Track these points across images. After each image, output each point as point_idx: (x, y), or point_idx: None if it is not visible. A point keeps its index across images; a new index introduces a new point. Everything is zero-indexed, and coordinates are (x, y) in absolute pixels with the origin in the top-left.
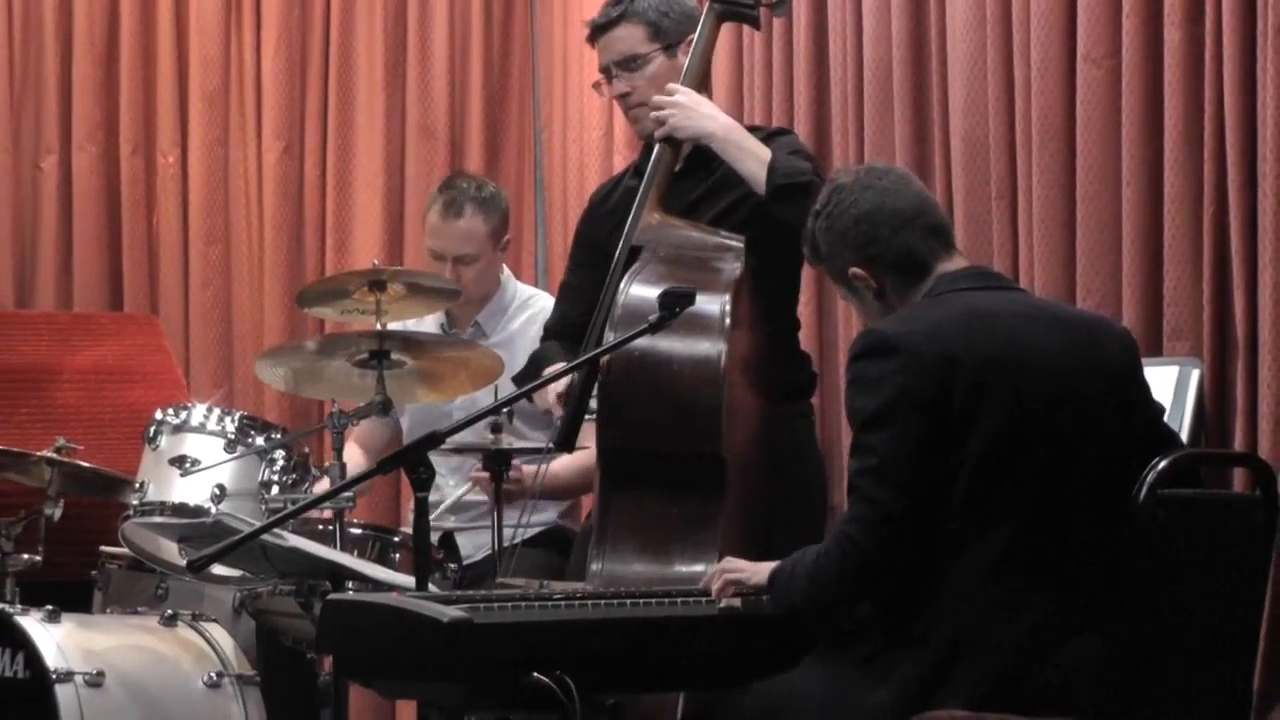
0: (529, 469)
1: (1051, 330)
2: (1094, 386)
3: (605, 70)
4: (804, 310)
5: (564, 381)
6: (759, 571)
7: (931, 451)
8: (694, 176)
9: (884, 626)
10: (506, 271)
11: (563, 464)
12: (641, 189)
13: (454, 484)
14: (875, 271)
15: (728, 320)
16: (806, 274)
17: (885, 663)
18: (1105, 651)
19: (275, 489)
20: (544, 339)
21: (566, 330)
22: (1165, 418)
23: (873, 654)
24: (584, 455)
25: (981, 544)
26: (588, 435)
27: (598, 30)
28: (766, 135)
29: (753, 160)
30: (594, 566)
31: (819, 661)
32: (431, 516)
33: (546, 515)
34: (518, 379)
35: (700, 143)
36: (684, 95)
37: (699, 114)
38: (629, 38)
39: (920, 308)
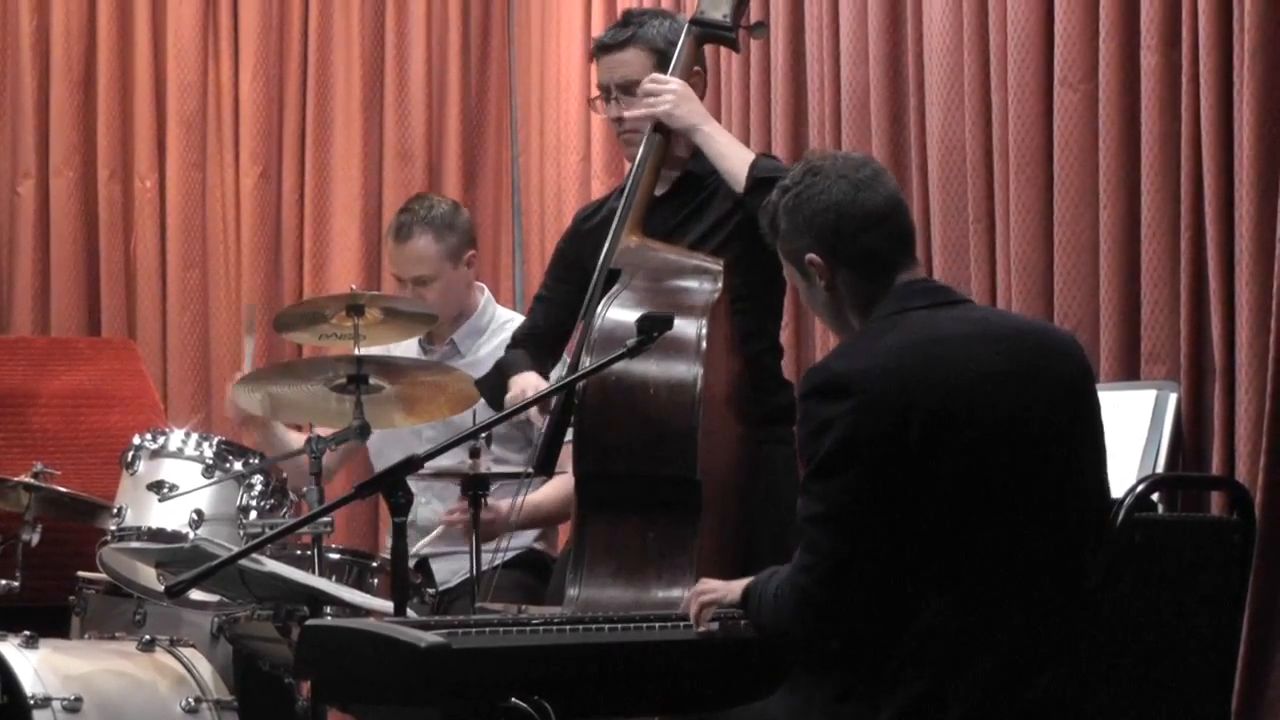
0: (503, 504)
1: (1003, 349)
2: (1048, 401)
3: (605, 89)
4: (783, 335)
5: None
6: (732, 590)
7: (885, 495)
8: (677, 200)
9: (855, 668)
10: (487, 293)
11: (542, 492)
12: (627, 191)
13: (424, 502)
14: (832, 264)
15: (704, 344)
16: (787, 298)
17: (859, 704)
18: (1082, 675)
19: (253, 514)
20: (510, 347)
21: (534, 340)
22: (1143, 441)
23: (845, 693)
24: (562, 482)
25: (950, 580)
26: (566, 459)
27: (603, 50)
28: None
29: (735, 159)
30: (571, 591)
31: (794, 694)
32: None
33: (523, 539)
34: (481, 384)
35: (688, 134)
36: (678, 84)
37: (686, 109)
38: (634, 63)
39: (871, 335)
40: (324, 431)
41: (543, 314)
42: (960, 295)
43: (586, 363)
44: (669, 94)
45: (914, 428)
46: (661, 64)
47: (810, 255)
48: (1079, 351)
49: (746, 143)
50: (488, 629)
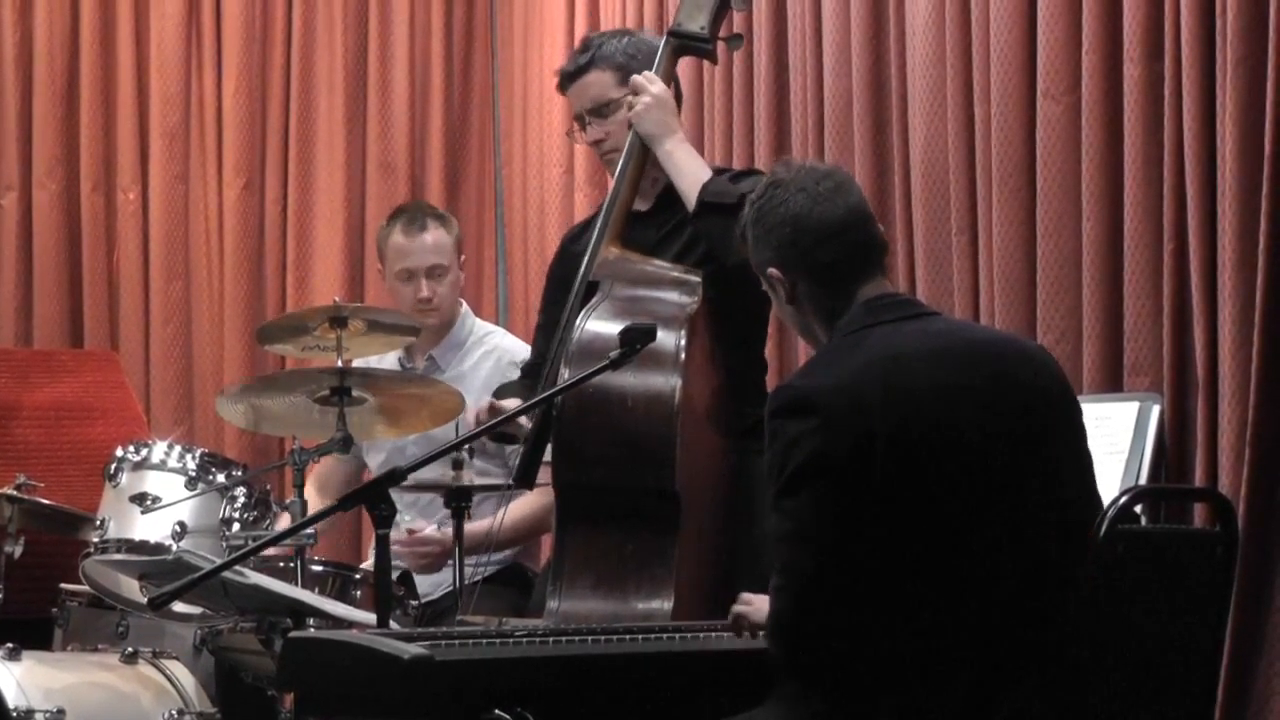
0: (441, 531)
1: (967, 363)
2: (1017, 412)
3: (579, 118)
4: (766, 349)
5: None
6: (765, 609)
7: (853, 512)
8: (659, 216)
9: (838, 685)
10: (465, 306)
11: (521, 504)
12: (607, 202)
13: (409, 519)
14: (790, 276)
15: (682, 355)
16: (771, 312)
17: None
18: (1065, 686)
19: (236, 526)
20: (522, 379)
21: (538, 371)
22: (1126, 453)
23: (828, 710)
24: (542, 494)
25: (929, 595)
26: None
27: (567, 79)
28: (733, 176)
29: (690, 178)
30: (551, 604)
31: (778, 708)
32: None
33: (505, 553)
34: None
35: (649, 144)
36: (661, 88)
37: (655, 118)
38: (599, 84)
39: (836, 352)
40: (307, 443)
41: (543, 340)
42: (927, 308)
43: (564, 374)
44: (647, 96)
45: (879, 445)
46: (626, 79)
47: (770, 269)
48: (1050, 361)
49: (729, 154)
50: (470, 641)
